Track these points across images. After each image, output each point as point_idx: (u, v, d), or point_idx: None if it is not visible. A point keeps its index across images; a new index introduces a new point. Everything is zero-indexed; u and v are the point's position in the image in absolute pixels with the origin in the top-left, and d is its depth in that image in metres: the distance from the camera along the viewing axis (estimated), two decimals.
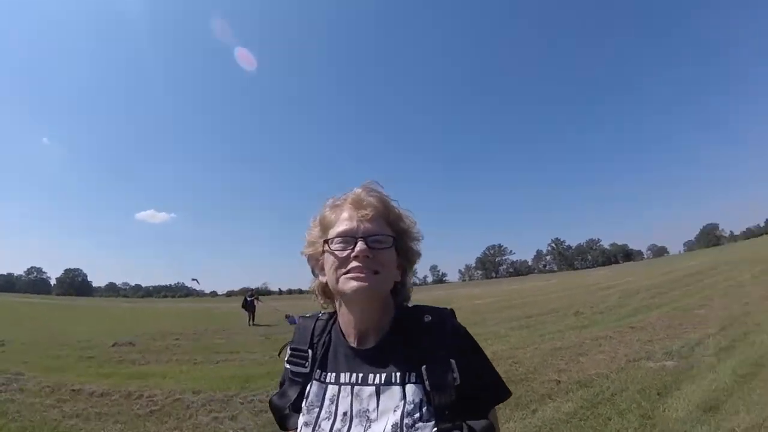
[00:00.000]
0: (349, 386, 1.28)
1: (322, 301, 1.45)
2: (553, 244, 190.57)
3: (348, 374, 1.30)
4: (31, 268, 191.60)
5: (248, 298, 25.43)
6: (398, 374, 1.24)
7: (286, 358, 1.45)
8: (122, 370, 10.82)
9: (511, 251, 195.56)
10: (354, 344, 1.33)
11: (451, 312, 1.36)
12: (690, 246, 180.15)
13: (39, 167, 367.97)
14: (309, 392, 1.34)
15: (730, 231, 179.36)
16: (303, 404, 1.33)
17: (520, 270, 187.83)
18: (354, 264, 1.23)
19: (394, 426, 1.15)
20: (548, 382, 7.59)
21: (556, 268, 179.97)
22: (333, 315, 1.45)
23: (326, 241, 1.30)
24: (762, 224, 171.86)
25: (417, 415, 1.17)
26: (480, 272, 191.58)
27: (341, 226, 1.29)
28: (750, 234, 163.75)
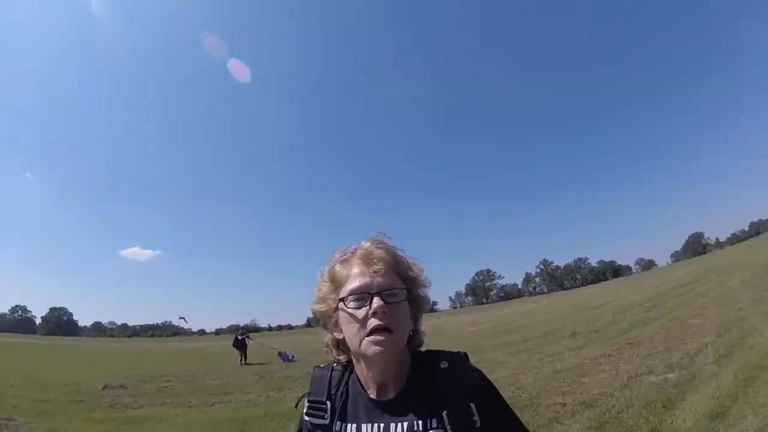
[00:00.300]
0: None
1: (336, 354, 1.46)
2: (541, 266, 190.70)
3: (369, 425, 1.31)
4: (16, 306, 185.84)
5: (239, 337, 25.08)
6: (420, 422, 1.25)
7: (305, 410, 1.45)
8: (115, 414, 10.60)
9: (500, 275, 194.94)
10: (374, 395, 1.34)
11: (465, 355, 1.38)
12: (677, 257, 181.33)
13: (21, 203, 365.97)
14: None
15: (716, 238, 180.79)
16: None
17: (510, 294, 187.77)
18: (373, 322, 1.24)
19: None
20: (553, 405, 7.56)
21: (546, 290, 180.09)
22: (348, 365, 1.46)
23: (342, 300, 1.31)
24: (746, 228, 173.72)
25: None
26: (470, 298, 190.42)
27: (354, 283, 1.30)
28: (735, 239, 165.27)
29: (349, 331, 1.30)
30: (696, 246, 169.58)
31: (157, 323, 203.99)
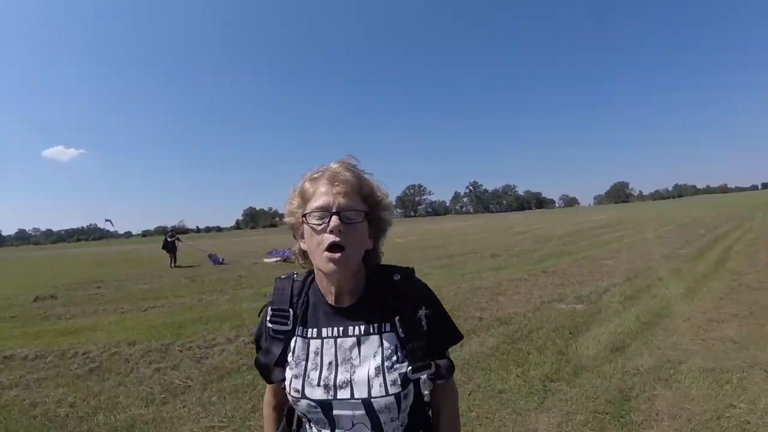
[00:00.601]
0: (332, 339, 1.49)
1: (302, 263, 1.61)
2: (471, 187, 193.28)
3: (329, 329, 1.50)
4: None
5: (168, 239, 24.91)
6: (375, 325, 1.47)
7: (268, 318, 1.59)
8: (49, 327, 10.41)
9: (430, 191, 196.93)
10: (333, 303, 1.52)
11: (413, 270, 1.59)
12: (600, 200, 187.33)
13: None
14: (294, 347, 1.53)
15: (640, 191, 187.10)
16: (289, 358, 1.52)
17: (438, 210, 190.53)
18: (329, 238, 1.37)
19: (377, 368, 1.40)
20: (472, 318, 8.13)
21: (472, 210, 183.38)
22: (308, 275, 1.63)
23: (306, 215, 1.43)
24: (670, 188, 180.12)
25: (394, 358, 1.42)
26: (399, 210, 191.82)
27: (318, 201, 1.41)
28: (657, 196, 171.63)
29: (311, 245, 1.43)
30: (619, 194, 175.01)
31: (82, 227, 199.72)
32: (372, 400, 1.39)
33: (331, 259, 1.37)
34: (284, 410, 1.69)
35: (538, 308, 8.57)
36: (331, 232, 1.36)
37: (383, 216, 1.53)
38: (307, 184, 1.49)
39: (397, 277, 1.54)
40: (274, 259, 23.04)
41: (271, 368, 1.56)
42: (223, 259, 24.13)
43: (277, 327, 1.56)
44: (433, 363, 1.46)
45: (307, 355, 1.50)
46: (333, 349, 1.47)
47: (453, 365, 1.55)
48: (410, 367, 1.42)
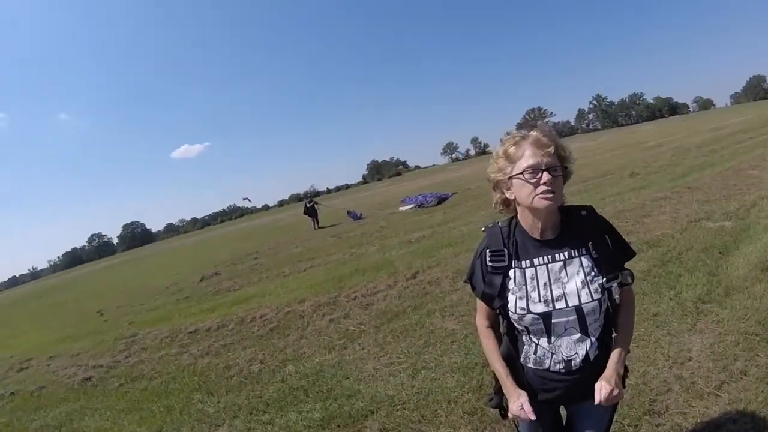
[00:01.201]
0: (544, 266, 1.99)
1: (501, 209, 2.14)
2: (595, 102, 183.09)
3: (540, 258, 2.00)
4: (92, 235, 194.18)
5: (308, 204, 26.26)
6: (575, 251, 1.98)
7: (488, 259, 2.08)
8: (221, 300, 11.36)
9: (551, 113, 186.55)
10: (539, 237, 2.01)
11: (592, 207, 2.10)
12: (737, 98, 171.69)
13: (62, 143, 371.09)
14: (514, 277, 2.03)
15: None
16: (510, 285, 2.02)
17: (563, 131, 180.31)
18: (543, 188, 1.84)
19: (582, 282, 1.92)
20: None
21: (600, 126, 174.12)
22: (510, 221, 2.13)
23: (521, 172, 1.89)
24: None
25: (593, 273, 1.94)
26: (573, 155, 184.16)
27: (529, 161, 1.87)
28: None
29: (523, 193, 1.91)
30: (757, 90, 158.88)
31: (223, 209, 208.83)
32: (582, 305, 1.91)
33: (546, 199, 1.85)
34: (497, 328, 2.27)
35: (685, 228, 8.48)
36: (544, 183, 1.84)
37: (569, 167, 2.04)
38: (512, 149, 1.95)
39: (584, 212, 2.05)
40: (408, 207, 23.51)
41: (494, 297, 2.07)
42: (361, 214, 25.16)
43: (496, 264, 2.06)
44: (620, 273, 1.99)
45: (525, 280, 2.00)
46: (546, 273, 1.98)
47: (633, 274, 2.05)
48: (605, 278, 1.94)
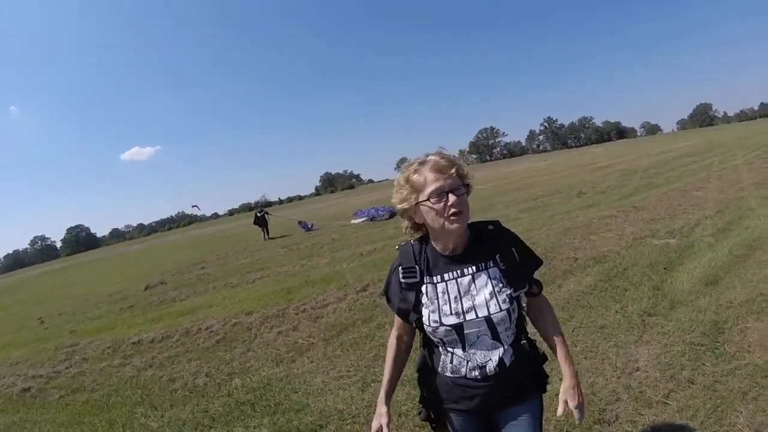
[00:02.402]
0: (453, 280, 2.03)
1: (413, 233, 2.16)
2: (546, 124, 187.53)
3: (449, 273, 2.04)
4: (35, 237, 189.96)
5: (258, 214, 25.97)
6: (482, 264, 2.02)
7: (401, 275, 2.12)
8: (167, 310, 11.05)
9: (504, 133, 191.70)
10: (448, 254, 2.06)
11: (499, 221, 2.15)
12: (683, 124, 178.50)
13: (10, 138, 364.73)
14: (426, 292, 2.07)
15: (724, 112, 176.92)
16: (423, 300, 2.07)
17: (513, 151, 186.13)
18: (451, 210, 1.88)
19: (490, 293, 1.96)
20: (567, 259, 8.42)
21: (549, 148, 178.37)
22: (422, 239, 2.15)
23: (426, 199, 1.91)
24: (756, 108, 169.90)
25: (501, 284, 1.98)
26: (474, 156, 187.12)
27: (432, 186, 1.90)
28: (743, 117, 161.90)
29: (432, 217, 1.94)
30: (703, 117, 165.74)
31: (171, 216, 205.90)
32: (491, 316, 1.95)
33: (456, 221, 1.90)
34: (406, 341, 2.30)
35: (631, 245, 8.69)
36: (452, 205, 1.88)
37: (470, 184, 2.06)
38: (414, 176, 1.97)
39: (491, 227, 2.10)
40: (361, 219, 23.57)
41: (409, 312, 2.11)
42: (312, 225, 25.02)
43: (408, 280, 2.10)
44: (527, 283, 2.08)
45: (437, 295, 2.04)
46: (456, 287, 2.02)
47: (541, 283, 2.15)
48: (512, 288, 1.99)
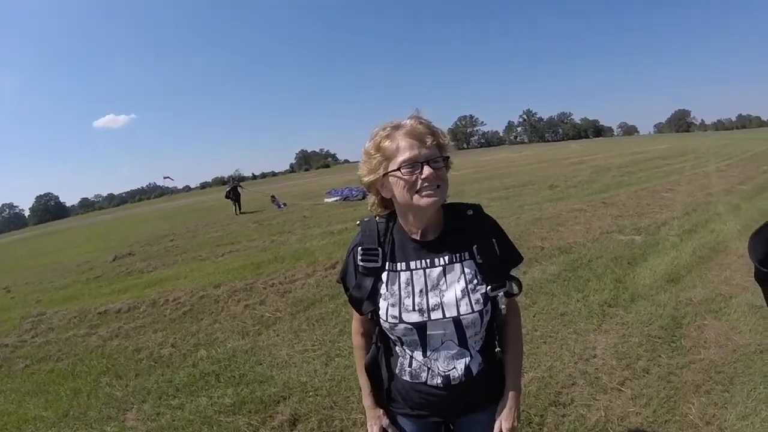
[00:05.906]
0: (421, 270, 1.71)
1: (380, 210, 1.84)
2: (524, 116, 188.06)
3: (417, 261, 1.72)
4: (3, 205, 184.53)
5: (230, 188, 25.75)
6: (457, 255, 1.71)
7: (359, 258, 1.79)
8: (134, 281, 10.91)
9: (482, 122, 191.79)
10: (418, 239, 1.73)
11: (481, 206, 1.83)
12: (660, 128, 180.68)
13: None
14: (386, 280, 1.75)
15: (702, 119, 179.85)
16: (382, 290, 1.75)
17: (491, 141, 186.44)
18: (425, 184, 1.56)
19: (462, 290, 1.66)
20: (534, 248, 8.53)
21: (527, 140, 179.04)
22: (389, 217, 1.83)
23: (398, 168, 1.58)
24: (734, 119, 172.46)
25: (475, 281, 1.68)
26: (452, 143, 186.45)
27: (405, 155, 1.57)
28: (720, 126, 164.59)
29: (401, 190, 1.60)
30: (681, 122, 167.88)
31: (142, 187, 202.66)
32: (461, 317, 1.65)
33: (429, 196, 1.57)
34: (372, 338, 1.94)
35: (597, 238, 8.84)
36: (426, 178, 1.55)
37: (450, 157, 1.71)
38: (386, 142, 1.63)
39: (470, 212, 1.78)
40: (334, 199, 23.52)
41: (363, 301, 1.78)
42: (284, 204, 24.79)
43: (367, 264, 1.77)
44: (507, 281, 1.73)
45: (399, 285, 1.72)
46: (423, 279, 1.70)
47: (521, 283, 1.79)
48: (489, 287, 1.68)
